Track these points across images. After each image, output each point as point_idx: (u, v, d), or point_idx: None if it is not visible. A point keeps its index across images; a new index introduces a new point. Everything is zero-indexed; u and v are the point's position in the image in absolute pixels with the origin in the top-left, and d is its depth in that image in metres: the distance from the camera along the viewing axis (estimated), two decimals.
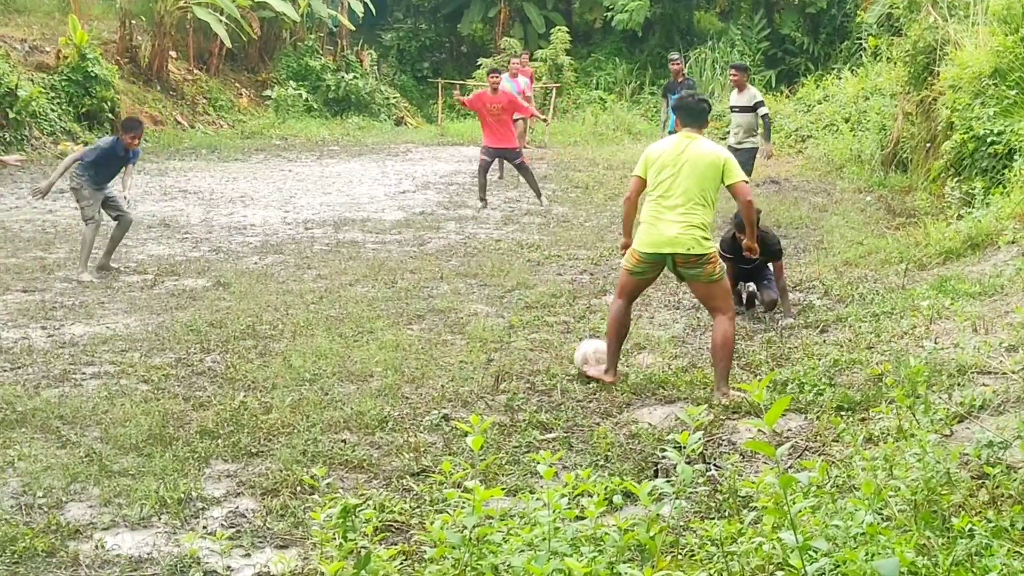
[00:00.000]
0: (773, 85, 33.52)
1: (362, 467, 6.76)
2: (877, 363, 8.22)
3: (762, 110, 16.23)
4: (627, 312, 8.65)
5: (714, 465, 6.61)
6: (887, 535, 4.08)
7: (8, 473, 6.59)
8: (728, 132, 21.51)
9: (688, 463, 4.41)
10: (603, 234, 15.33)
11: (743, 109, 16.30)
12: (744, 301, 11.13)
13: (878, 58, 25.07)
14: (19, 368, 8.85)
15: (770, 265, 10.72)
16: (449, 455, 6.79)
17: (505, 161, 19.47)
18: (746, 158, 16.12)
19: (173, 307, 10.96)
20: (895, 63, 21.22)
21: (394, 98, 36.42)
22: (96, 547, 5.63)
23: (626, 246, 8.72)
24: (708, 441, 7.03)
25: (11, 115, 22.97)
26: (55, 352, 9.31)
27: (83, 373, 8.75)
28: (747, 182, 8.41)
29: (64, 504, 6.18)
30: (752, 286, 11.08)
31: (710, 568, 4.36)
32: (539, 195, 18.36)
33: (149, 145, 26.01)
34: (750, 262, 10.58)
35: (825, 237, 14.70)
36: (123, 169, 12.87)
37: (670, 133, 19.01)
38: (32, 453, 6.87)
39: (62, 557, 5.51)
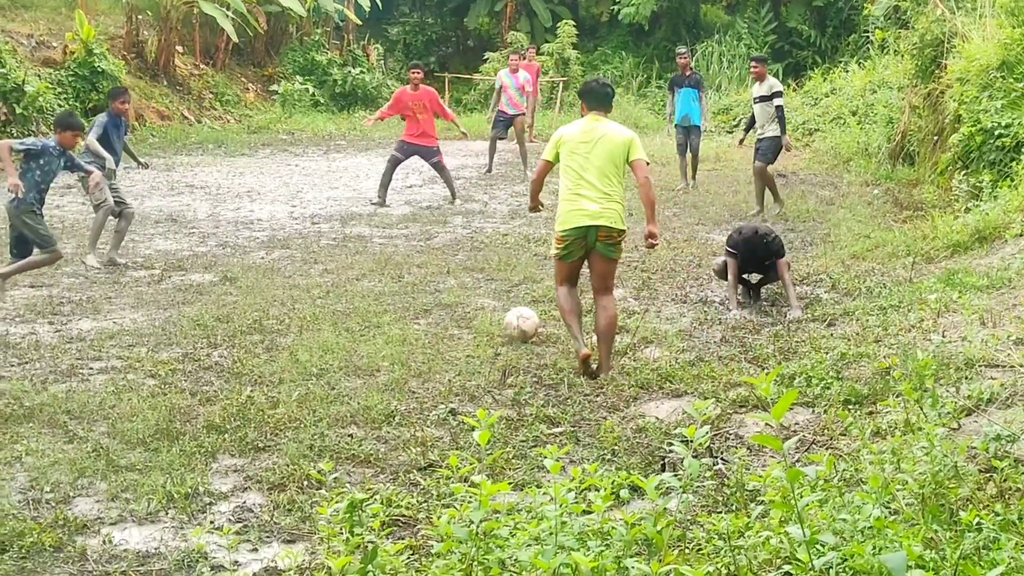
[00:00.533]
0: (780, 78, 33.32)
1: (369, 461, 6.76)
2: (884, 356, 8.21)
3: (777, 101, 16.36)
4: (573, 294, 8.96)
5: (721, 459, 6.61)
6: (895, 529, 4.07)
7: (15, 468, 6.60)
8: (736, 124, 21.62)
9: (695, 457, 4.41)
10: None
11: (762, 99, 16.54)
12: (751, 292, 11.14)
13: (885, 51, 25.01)
14: (26, 363, 8.87)
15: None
16: (456, 449, 6.79)
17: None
18: (767, 146, 16.41)
19: (180, 302, 10.98)
20: (902, 56, 21.17)
21: None
22: (103, 542, 5.64)
23: (533, 208, 9.59)
24: (715, 435, 7.03)
25: (18, 110, 22.95)
26: (62, 347, 9.33)
27: (90, 368, 8.76)
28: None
29: (71, 499, 6.20)
30: (756, 276, 11.11)
31: (717, 562, 4.35)
32: (454, 196, 18.21)
33: (156, 140, 26.06)
34: (753, 261, 10.64)
35: (832, 230, 14.69)
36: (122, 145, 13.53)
37: (676, 126, 19.15)
38: (39, 448, 6.89)
39: (69, 552, 5.53)
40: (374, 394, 7.91)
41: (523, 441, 7.06)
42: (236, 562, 5.40)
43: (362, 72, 34.97)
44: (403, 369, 8.59)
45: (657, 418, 7.49)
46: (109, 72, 25.42)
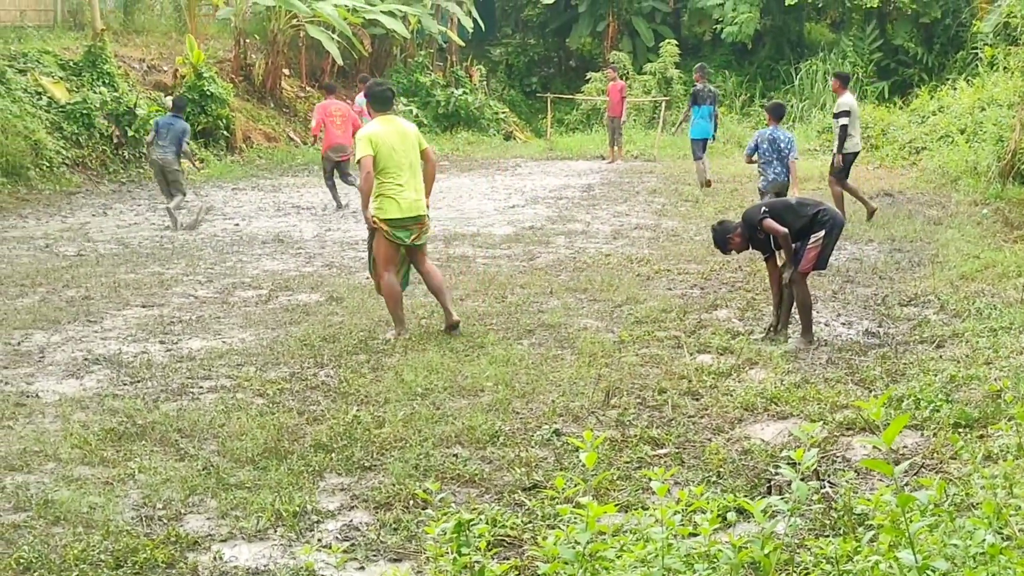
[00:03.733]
0: (886, 96, 33.11)
1: (474, 481, 6.80)
2: (996, 379, 8.07)
3: (841, 120, 16.71)
4: (397, 281, 10.29)
5: (829, 482, 6.54)
6: (1008, 555, 4.00)
7: (129, 485, 6.74)
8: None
9: (802, 480, 4.37)
10: (713, 248, 15.20)
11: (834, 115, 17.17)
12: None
13: (994, 68, 24.60)
14: (139, 382, 9.05)
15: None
16: (560, 470, 6.80)
17: None
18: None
19: (287, 322, 11.13)
20: (1012, 73, 20.84)
21: (503, 113, 36.59)
22: (214, 559, 5.74)
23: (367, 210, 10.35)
24: (822, 458, 6.95)
25: (130, 133, 23.55)
26: (173, 366, 9.51)
27: (200, 387, 8.92)
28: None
29: (183, 516, 6.31)
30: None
31: None
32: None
33: (263, 162, 26.49)
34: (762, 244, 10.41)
35: (940, 251, 14.45)
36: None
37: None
38: (152, 465, 7.03)
39: (181, 568, 5.63)
40: (478, 414, 7.95)
41: (627, 462, 7.05)
42: None
43: (465, 93, 35.23)
44: (507, 389, 8.61)
45: (763, 440, 7.43)
46: (218, 95, 25.93)
